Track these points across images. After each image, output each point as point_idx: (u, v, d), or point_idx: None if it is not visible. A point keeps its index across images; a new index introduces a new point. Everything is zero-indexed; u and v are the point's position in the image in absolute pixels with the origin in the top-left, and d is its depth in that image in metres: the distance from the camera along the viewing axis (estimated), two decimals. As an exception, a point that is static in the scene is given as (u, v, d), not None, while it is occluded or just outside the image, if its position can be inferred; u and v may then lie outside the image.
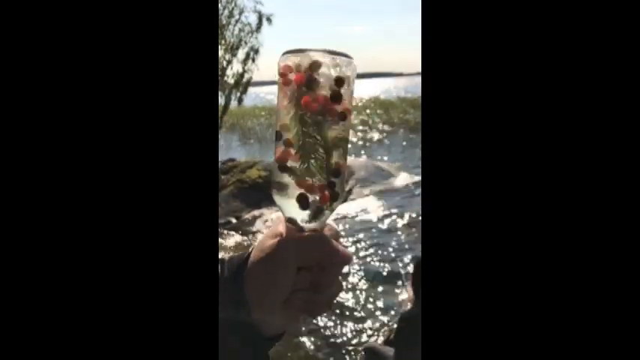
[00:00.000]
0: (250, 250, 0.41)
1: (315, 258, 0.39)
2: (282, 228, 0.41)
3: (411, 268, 3.26)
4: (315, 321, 3.03)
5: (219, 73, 7.20)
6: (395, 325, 2.16)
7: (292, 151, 0.38)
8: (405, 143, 10.75)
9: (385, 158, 9.10)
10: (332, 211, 0.40)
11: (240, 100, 8.03)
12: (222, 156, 8.04)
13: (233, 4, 7.33)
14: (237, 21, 7.45)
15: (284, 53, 0.39)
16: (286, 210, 0.40)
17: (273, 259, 0.39)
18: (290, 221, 0.40)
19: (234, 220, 5.37)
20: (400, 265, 4.05)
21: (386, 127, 13.50)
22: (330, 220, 0.41)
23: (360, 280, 3.84)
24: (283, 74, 0.38)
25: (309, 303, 0.39)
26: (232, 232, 5.00)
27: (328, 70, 0.38)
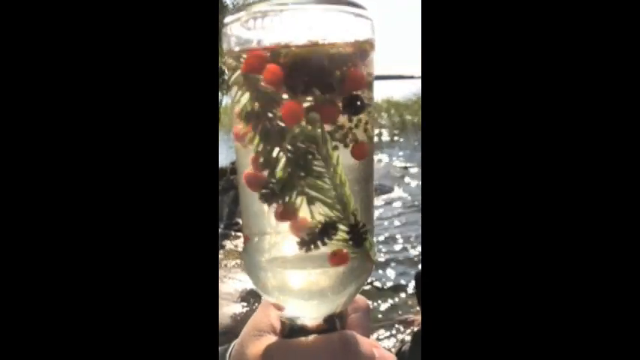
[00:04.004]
0: (232, 347, 0.28)
1: None
2: (274, 316, 0.26)
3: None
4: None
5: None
6: (407, 337, 2.09)
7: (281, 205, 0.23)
8: (416, 144, 10.67)
9: (395, 159, 9.01)
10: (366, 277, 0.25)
11: None
12: (231, 157, 8.01)
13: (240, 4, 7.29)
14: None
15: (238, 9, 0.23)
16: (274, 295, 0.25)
17: None
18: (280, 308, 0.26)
19: (241, 221, 5.30)
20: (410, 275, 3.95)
21: (397, 129, 13.46)
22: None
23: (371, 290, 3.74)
24: (249, 64, 0.22)
25: None
26: (239, 234, 4.95)
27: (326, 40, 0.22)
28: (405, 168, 8.02)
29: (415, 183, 6.93)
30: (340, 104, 0.23)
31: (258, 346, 0.25)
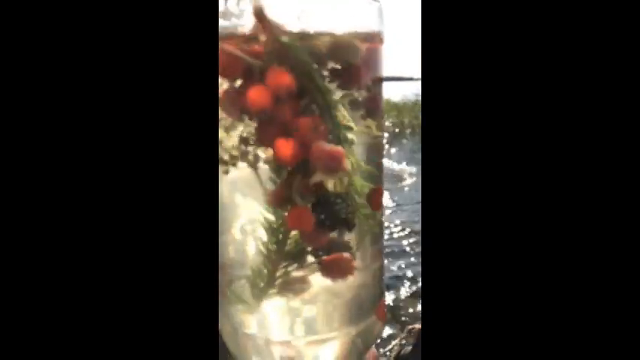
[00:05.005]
0: None
1: None
2: None
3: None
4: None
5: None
6: (406, 341, 2.09)
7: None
8: (414, 146, 10.73)
9: (393, 160, 9.05)
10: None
11: None
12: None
13: None
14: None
15: None
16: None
17: None
18: None
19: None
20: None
21: (396, 130, 13.53)
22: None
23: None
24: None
25: None
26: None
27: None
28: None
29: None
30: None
31: None
